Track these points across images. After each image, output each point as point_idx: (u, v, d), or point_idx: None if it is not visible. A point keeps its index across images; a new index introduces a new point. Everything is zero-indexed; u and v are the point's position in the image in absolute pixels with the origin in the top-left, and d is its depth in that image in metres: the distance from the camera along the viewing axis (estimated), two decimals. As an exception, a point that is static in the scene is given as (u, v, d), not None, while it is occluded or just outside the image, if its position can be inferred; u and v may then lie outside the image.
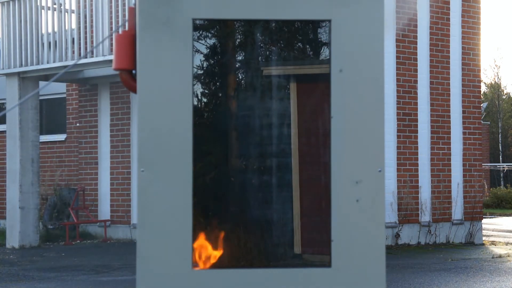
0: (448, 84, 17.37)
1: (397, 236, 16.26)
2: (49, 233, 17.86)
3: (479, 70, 18.13)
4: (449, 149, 17.36)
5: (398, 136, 16.51)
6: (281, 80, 3.92)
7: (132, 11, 3.81)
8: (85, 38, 15.90)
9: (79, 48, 15.91)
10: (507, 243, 17.77)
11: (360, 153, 3.73)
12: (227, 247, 3.73)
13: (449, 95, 17.42)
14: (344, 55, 3.73)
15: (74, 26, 16.12)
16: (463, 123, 17.65)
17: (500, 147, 51.75)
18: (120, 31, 3.96)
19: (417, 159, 16.78)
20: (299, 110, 3.87)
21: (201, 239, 3.70)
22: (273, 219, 3.83)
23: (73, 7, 16.19)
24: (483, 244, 17.29)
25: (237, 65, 3.93)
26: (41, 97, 19.10)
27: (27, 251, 15.85)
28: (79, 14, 15.99)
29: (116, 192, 17.89)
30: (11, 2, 16.58)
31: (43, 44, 16.34)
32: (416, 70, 16.82)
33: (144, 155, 3.68)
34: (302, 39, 3.93)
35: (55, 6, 16.38)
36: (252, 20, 3.77)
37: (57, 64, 15.93)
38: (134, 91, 3.77)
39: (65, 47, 16.00)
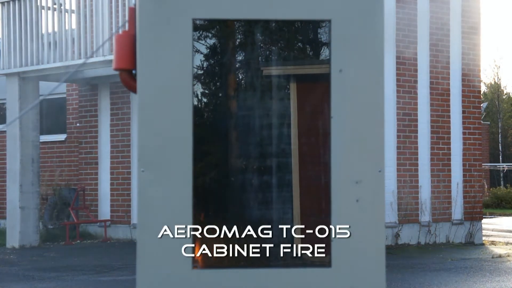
0: (448, 84, 17.37)
1: (397, 236, 16.25)
2: (49, 233, 17.85)
3: (479, 70, 18.12)
4: (449, 149, 17.36)
5: (398, 136, 16.50)
6: (281, 80, 3.92)
7: (132, 11, 3.81)
8: (85, 38, 15.89)
9: (79, 48, 15.91)
10: (507, 243, 17.76)
11: (360, 153, 3.73)
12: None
13: (449, 95, 17.41)
14: (344, 55, 3.73)
15: (74, 26, 16.12)
16: (463, 123, 17.65)
17: (500, 147, 51.72)
18: (120, 31, 3.96)
19: (417, 159, 16.77)
20: (299, 110, 3.87)
21: (201, 239, 3.70)
22: (273, 219, 3.83)
23: (73, 7, 16.18)
24: (483, 244, 17.28)
25: (237, 65, 3.93)
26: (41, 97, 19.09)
27: (27, 251, 15.85)
28: (79, 14, 15.99)
29: (116, 192, 17.89)
30: (11, 2, 16.57)
31: (43, 44, 16.33)
32: (416, 70, 16.81)
33: (144, 155, 3.68)
34: (302, 39, 3.94)
35: (55, 6, 16.37)
36: (252, 20, 3.77)
37: (57, 64, 15.93)
38: (134, 91, 3.77)
39: (65, 47, 15.99)
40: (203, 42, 3.81)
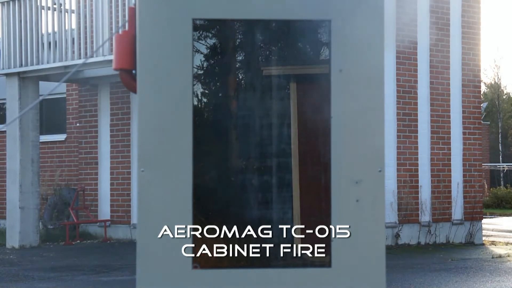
0: (448, 84, 17.37)
1: (397, 236, 16.25)
2: (49, 233, 17.85)
3: (479, 70, 18.12)
4: (449, 149, 17.36)
5: (398, 136, 16.50)
6: (281, 80, 3.92)
7: (132, 11, 3.81)
8: (85, 38, 15.89)
9: (79, 48, 15.90)
10: (507, 243, 17.76)
11: (360, 153, 3.73)
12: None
13: (449, 95, 17.41)
14: (344, 55, 3.73)
15: (74, 26, 16.12)
16: (463, 123, 17.64)
17: (500, 147, 51.72)
18: (120, 31, 3.96)
19: (417, 159, 16.77)
20: (299, 110, 3.87)
21: (201, 239, 3.70)
22: (273, 219, 3.83)
23: (73, 7, 16.18)
24: (483, 244, 17.28)
25: (237, 65, 3.93)
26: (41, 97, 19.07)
27: (27, 251, 15.84)
28: (79, 14, 15.99)
29: (116, 192, 17.89)
30: (11, 2, 16.57)
31: (43, 44, 16.33)
32: (416, 70, 16.81)
33: (144, 155, 3.68)
34: (302, 39, 3.93)
35: (55, 6, 16.37)
36: (252, 20, 3.77)
37: (57, 64, 15.93)
38: (134, 91, 3.77)
39: (65, 47, 15.99)
40: (203, 42, 3.81)
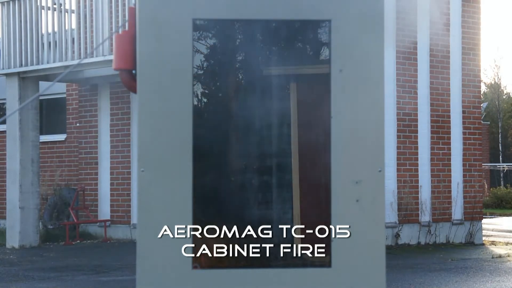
0: (448, 84, 17.36)
1: (397, 236, 16.25)
2: (49, 233, 17.85)
3: (479, 70, 18.12)
4: (449, 149, 17.35)
5: (398, 136, 16.49)
6: (281, 80, 3.92)
7: (132, 11, 3.81)
8: (85, 38, 15.89)
9: (79, 48, 15.90)
10: (507, 243, 17.76)
11: (360, 153, 3.73)
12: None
13: (449, 95, 17.40)
14: (344, 55, 3.73)
15: (74, 26, 16.12)
16: (463, 123, 17.64)
17: (500, 147, 51.72)
18: (120, 31, 3.96)
19: (417, 159, 16.77)
20: (299, 110, 3.87)
21: (201, 239, 3.70)
22: (273, 219, 3.82)
23: (73, 7, 16.18)
24: (483, 244, 17.28)
25: (237, 65, 3.93)
26: (41, 97, 19.09)
27: (27, 251, 15.84)
28: (79, 14, 15.99)
29: (116, 192, 17.88)
30: (11, 2, 16.57)
31: (43, 44, 16.33)
32: (416, 70, 16.81)
33: (144, 155, 3.68)
34: (302, 39, 3.93)
35: (55, 6, 16.37)
36: (252, 20, 3.77)
37: (57, 64, 15.93)
38: (134, 91, 3.77)
39: (65, 47, 15.99)
40: (203, 42, 3.81)
